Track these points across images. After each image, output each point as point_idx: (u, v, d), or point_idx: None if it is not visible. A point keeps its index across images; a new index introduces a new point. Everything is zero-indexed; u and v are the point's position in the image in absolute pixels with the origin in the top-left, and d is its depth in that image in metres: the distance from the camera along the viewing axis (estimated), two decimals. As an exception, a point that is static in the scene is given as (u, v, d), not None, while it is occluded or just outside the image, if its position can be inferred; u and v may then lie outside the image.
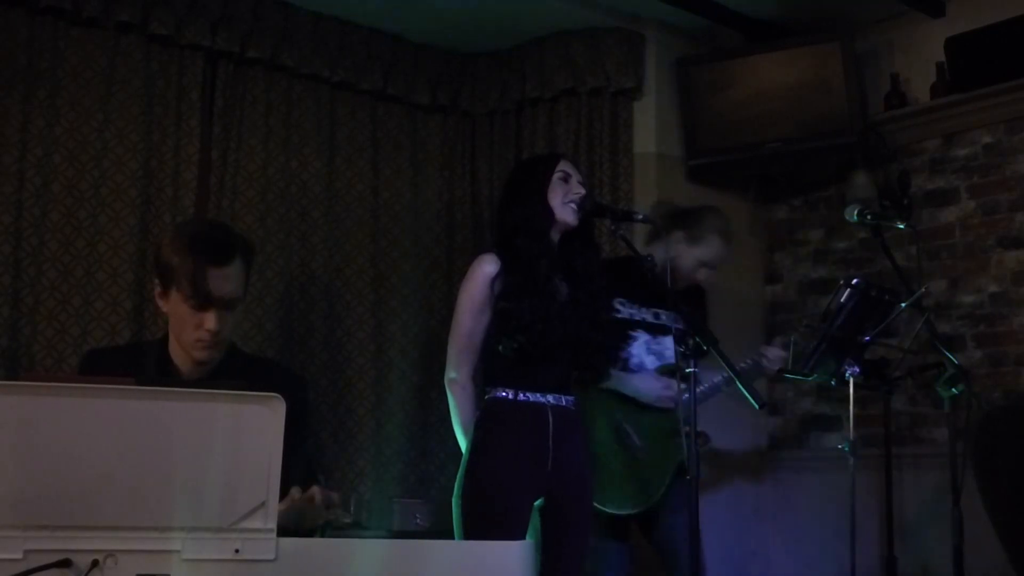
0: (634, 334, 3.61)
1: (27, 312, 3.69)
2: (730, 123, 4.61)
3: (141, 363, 2.51)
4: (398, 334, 4.48)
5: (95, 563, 1.48)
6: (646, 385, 3.58)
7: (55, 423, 1.50)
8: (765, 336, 4.82)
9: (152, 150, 3.98)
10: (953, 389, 3.58)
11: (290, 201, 4.29)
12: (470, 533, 2.94)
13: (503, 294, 3.03)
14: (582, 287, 3.15)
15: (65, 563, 1.47)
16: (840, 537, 3.72)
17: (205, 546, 1.52)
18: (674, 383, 3.58)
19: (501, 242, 3.13)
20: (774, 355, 3.79)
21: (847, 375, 3.72)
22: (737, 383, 2.93)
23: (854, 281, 3.71)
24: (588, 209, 3.15)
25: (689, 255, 3.63)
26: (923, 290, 3.87)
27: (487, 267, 3.06)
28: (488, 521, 2.93)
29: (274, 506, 1.55)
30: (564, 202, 3.10)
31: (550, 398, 3.07)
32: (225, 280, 2.42)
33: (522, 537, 2.91)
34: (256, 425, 1.55)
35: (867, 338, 3.73)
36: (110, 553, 1.49)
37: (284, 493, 2.07)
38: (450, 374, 3.10)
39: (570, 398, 3.13)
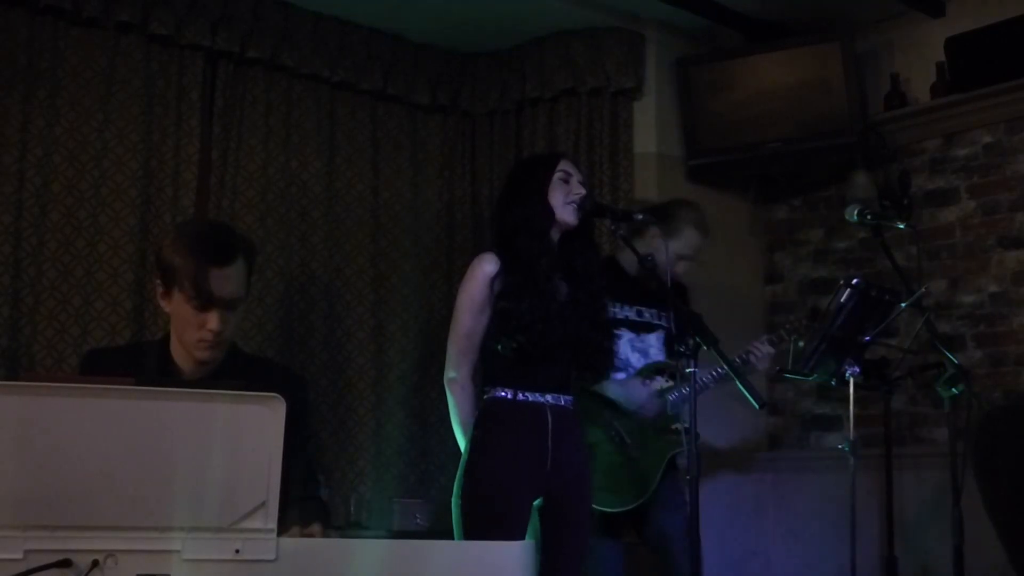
0: (617, 332, 3.60)
1: (27, 312, 3.69)
2: (730, 123, 4.61)
3: (142, 363, 2.51)
4: (398, 334, 4.48)
5: (95, 563, 1.48)
6: (630, 393, 3.57)
7: (55, 423, 1.50)
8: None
9: (152, 150, 3.98)
10: (953, 389, 3.58)
11: (290, 201, 4.29)
12: (470, 533, 2.94)
13: (503, 294, 3.02)
14: (582, 287, 3.15)
15: (65, 563, 1.47)
16: (840, 537, 3.72)
17: (205, 546, 1.52)
18: (656, 397, 3.59)
19: (501, 241, 3.13)
20: (763, 351, 3.79)
21: (847, 375, 3.72)
22: (738, 383, 2.92)
23: (854, 281, 3.71)
24: (588, 209, 3.15)
25: (663, 252, 3.57)
26: (923, 290, 3.87)
27: (487, 266, 3.06)
28: (488, 521, 2.93)
29: (274, 506, 1.55)
30: (565, 203, 3.10)
31: (549, 398, 3.07)
32: (227, 281, 2.42)
33: (522, 537, 2.90)
34: (256, 425, 1.55)
35: (867, 338, 3.73)
36: (110, 553, 1.49)
37: (285, 494, 2.06)
38: (449, 373, 3.09)
39: (569, 398, 3.12)
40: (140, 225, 3.90)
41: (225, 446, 1.55)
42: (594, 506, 3.43)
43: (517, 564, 1.67)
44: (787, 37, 4.66)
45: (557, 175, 3.13)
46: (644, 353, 3.70)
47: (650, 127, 4.65)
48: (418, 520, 4.08)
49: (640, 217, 3.32)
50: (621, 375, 3.64)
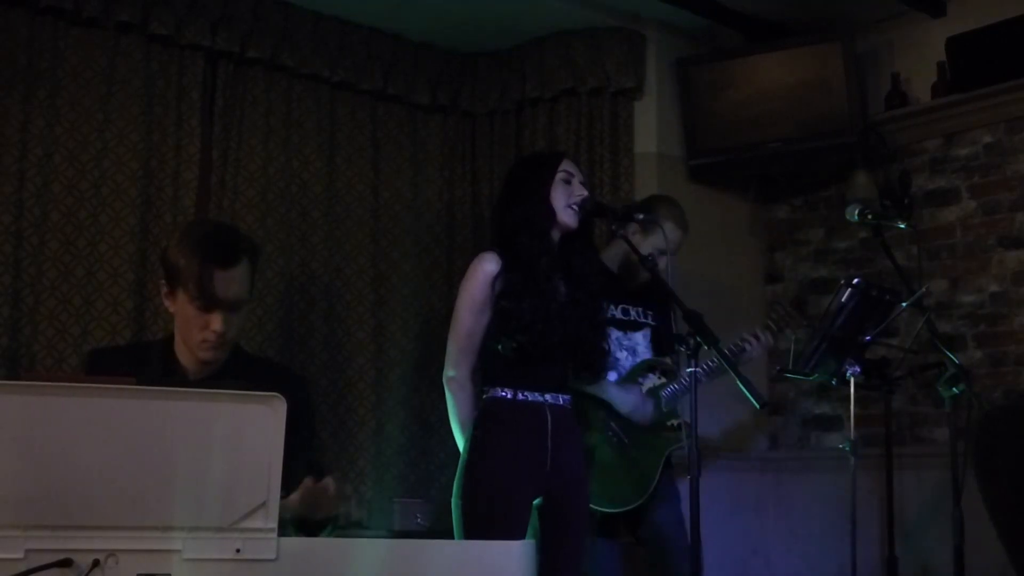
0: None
1: (27, 312, 3.69)
2: (730, 123, 4.61)
3: (146, 363, 2.52)
4: (398, 334, 4.48)
5: (96, 563, 1.48)
6: (623, 397, 3.57)
7: (56, 423, 1.50)
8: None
9: (152, 150, 3.98)
10: (954, 389, 3.58)
11: (290, 201, 4.29)
12: (470, 533, 2.94)
13: (504, 293, 3.02)
14: (581, 287, 3.15)
15: (66, 563, 1.47)
16: (841, 537, 3.72)
17: (206, 546, 1.52)
18: (650, 402, 3.58)
19: (501, 241, 3.13)
20: (755, 341, 3.79)
21: (848, 375, 3.73)
22: (739, 383, 2.92)
23: (855, 281, 3.72)
24: (589, 209, 3.15)
25: (645, 245, 3.56)
26: (924, 290, 3.87)
27: (488, 266, 3.06)
28: (488, 521, 2.93)
29: (275, 506, 1.55)
30: (566, 205, 3.10)
31: (548, 397, 3.07)
32: (231, 282, 2.43)
33: (522, 537, 2.91)
34: (257, 425, 1.55)
35: (868, 338, 3.73)
36: (111, 553, 1.49)
37: (287, 495, 2.07)
38: (449, 372, 3.09)
39: (567, 397, 3.13)
40: (140, 225, 3.90)
41: (226, 446, 1.55)
42: (595, 507, 3.44)
43: (517, 564, 1.67)
44: (787, 37, 4.66)
45: (559, 175, 3.13)
46: (632, 351, 3.70)
47: (650, 127, 4.66)
48: (418, 520, 4.08)
49: (641, 217, 3.32)
50: (612, 374, 3.64)
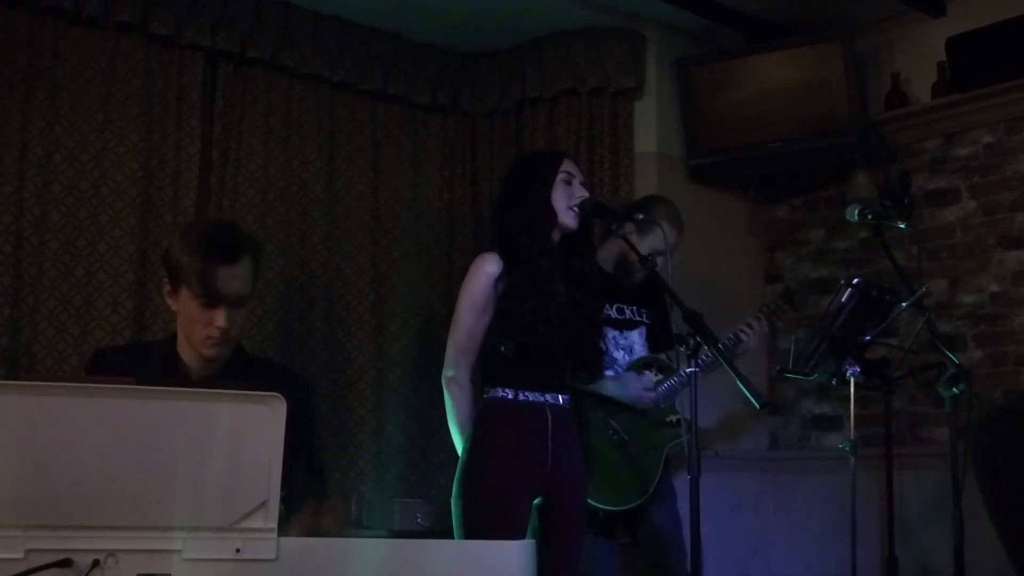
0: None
1: (27, 312, 3.68)
2: (730, 123, 4.61)
3: (149, 362, 2.53)
4: (398, 334, 4.48)
5: (96, 563, 1.48)
6: (625, 387, 3.57)
7: (56, 423, 1.50)
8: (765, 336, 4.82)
9: (152, 150, 3.97)
10: (954, 389, 3.58)
11: (290, 201, 4.29)
12: (470, 533, 2.94)
13: (507, 294, 3.02)
14: (581, 287, 3.15)
15: (66, 563, 1.47)
16: (841, 537, 3.72)
17: (206, 546, 1.52)
18: (650, 383, 3.58)
19: (502, 241, 3.13)
20: (750, 331, 3.79)
21: (848, 375, 3.73)
22: (739, 383, 2.92)
23: (855, 281, 3.72)
24: (589, 209, 3.15)
25: (642, 246, 3.56)
26: (924, 290, 3.88)
27: (490, 267, 3.06)
28: (488, 521, 2.93)
29: (275, 506, 1.55)
30: (567, 207, 3.10)
31: (549, 397, 3.08)
32: (234, 278, 2.45)
33: (522, 536, 2.91)
34: (257, 425, 1.55)
35: (868, 338, 3.73)
36: (111, 553, 1.49)
37: (287, 495, 2.07)
38: (448, 372, 3.09)
39: (566, 397, 3.13)
40: (140, 225, 3.90)
41: (226, 446, 1.55)
42: (598, 505, 3.44)
43: (517, 564, 1.67)
44: (787, 37, 4.66)
45: (560, 176, 3.12)
46: (628, 350, 3.71)
47: (650, 127, 4.65)
48: (418, 520, 4.08)
49: (641, 217, 3.32)
50: (608, 373, 3.64)
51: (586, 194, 3.15)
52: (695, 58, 4.69)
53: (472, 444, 3.02)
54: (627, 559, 3.77)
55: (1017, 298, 4.24)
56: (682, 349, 2.98)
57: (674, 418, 3.67)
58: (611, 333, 3.66)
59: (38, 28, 3.80)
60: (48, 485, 1.49)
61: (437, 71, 4.76)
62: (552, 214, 3.09)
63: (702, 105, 4.63)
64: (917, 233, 4.29)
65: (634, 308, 3.75)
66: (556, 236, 3.12)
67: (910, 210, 4.42)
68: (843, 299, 3.68)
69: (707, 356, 3.49)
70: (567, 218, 3.10)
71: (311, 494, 2.35)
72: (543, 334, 3.00)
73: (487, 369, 3.10)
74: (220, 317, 2.44)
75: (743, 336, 3.79)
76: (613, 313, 3.69)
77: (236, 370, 2.54)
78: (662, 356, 3.79)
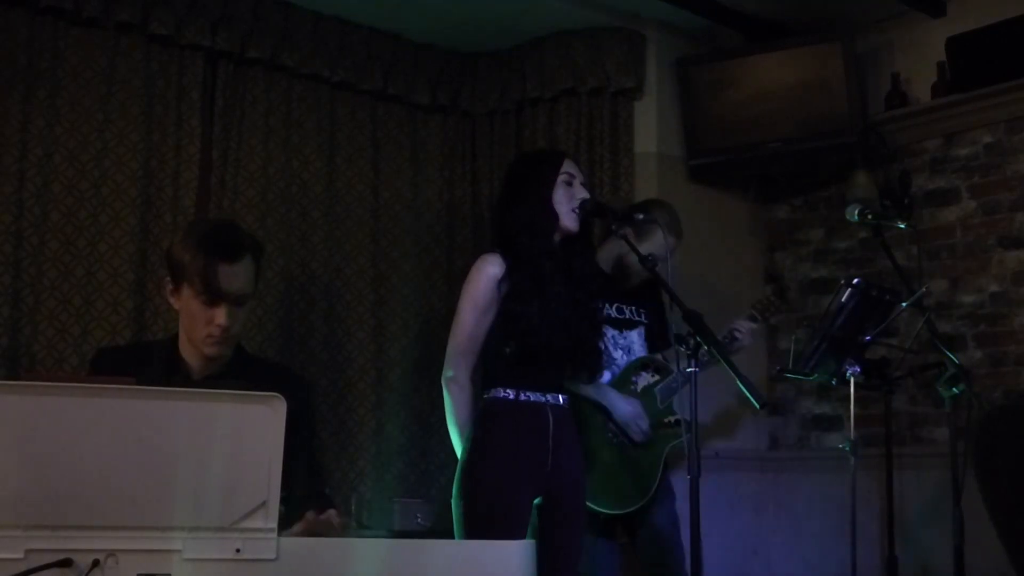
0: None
1: (27, 312, 3.68)
2: (730, 123, 4.61)
3: (150, 362, 2.54)
4: (398, 334, 4.48)
5: (96, 563, 1.48)
6: (622, 407, 3.56)
7: (56, 423, 1.50)
8: (766, 336, 4.83)
9: (152, 150, 3.97)
10: (954, 389, 3.58)
11: (290, 201, 4.29)
12: (471, 533, 2.94)
13: (510, 296, 3.02)
14: (581, 288, 3.15)
15: (66, 563, 1.47)
16: (841, 537, 3.73)
17: (206, 546, 1.52)
18: (643, 416, 3.57)
19: (504, 242, 3.12)
20: (745, 328, 3.81)
21: (848, 375, 3.73)
22: (739, 383, 2.92)
23: (855, 281, 3.72)
24: (589, 210, 3.15)
25: (640, 249, 3.55)
26: (924, 290, 3.87)
27: (492, 268, 3.05)
28: (489, 521, 2.93)
29: (275, 506, 1.55)
30: (569, 209, 3.09)
31: (550, 398, 3.08)
32: (235, 277, 2.47)
33: (522, 537, 2.91)
34: (257, 425, 1.55)
35: (868, 338, 3.73)
36: (111, 553, 1.49)
37: (288, 496, 2.06)
38: (448, 373, 3.09)
39: (566, 397, 3.14)
40: (140, 225, 3.89)
41: (226, 446, 1.55)
42: (599, 509, 3.44)
43: (518, 564, 1.67)
44: (787, 37, 4.66)
45: (561, 177, 3.12)
46: (627, 350, 3.71)
47: (650, 127, 4.65)
48: (418, 520, 4.08)
49: (641, 217, 3.32)
50: (606, 373, 3.64)
51: (586, 194, 3.15)
52: (695, 58, 4.69)
53: (472, 444, 3.02)
54: (626, 559, 3.77)
55: (1017, 298, 4.24)
56: (682, 349, 2.97)
57: (673, 419, 3.68)
58: (610, 332, 3.67)
59: (38, 28, 3.80)
60: (48, 485, 1.49)
61: (437, 71, 4.76)
62: (553, 216, 3.08)
63: (702, 105, 4.63)
64: (917, 233, 4.29)
65: (633, 308, 3.76)
66: (557, 237, 3.12)
67: (910, 210, 4.42)
68: (843, 299, 3.68)
69: (704, 355, 3.49)
70: (568, 220, 3.10)
71: (311, 495, 2.35)
72: (546, 335, 3.00)
73: (487, 369, 3.10)
74: (221, 315, 2.46)
75: (738, 334, 3.80)
76: (613, 312, 3.70)
77: (237, 370, 2.54)
78: (659, 356, 3.79)
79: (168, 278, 2.56)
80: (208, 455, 1.54)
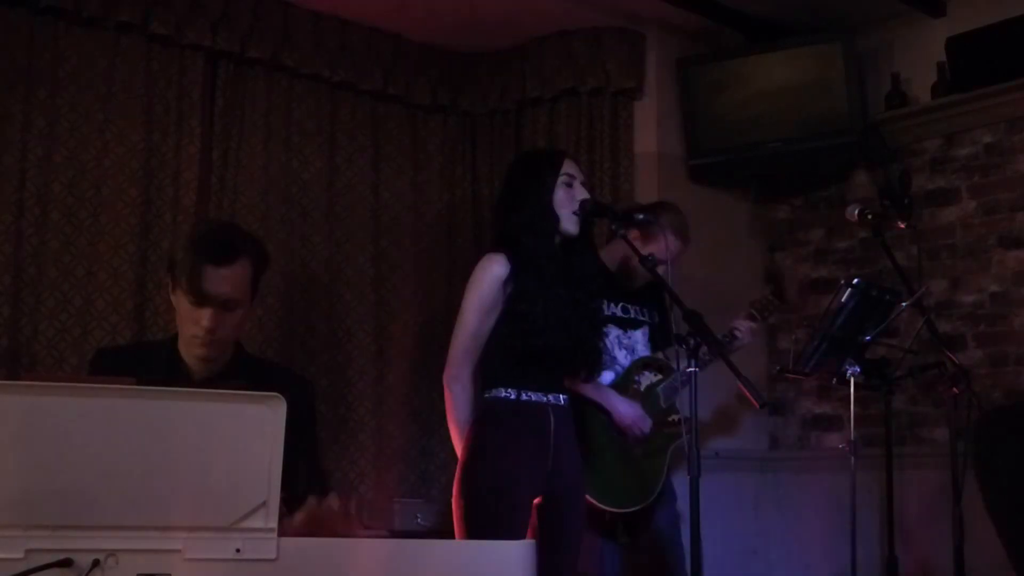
0: (605, 329, 3.61)
1: (28, 312, 3.69)
2: (731, 123, 4.61)
3: (150, 362, 2.53)
4: (399, 334, 4.48)
5: (96, 563, 1.48)
6: (622, 410, 3.56)
7: (56, 423, 1.50)
8: (765, 336, 4.83)
9: (152, 150, 3.98)
10: (954, 389, 3.59)
11: (290, 201, 4.29)
12: (470, 533, 2.94)
13: (516, 296, 3.02)
14: (581, 287, 3.15)
15: (66, 563, 1.47)
16: (840, 537, 3.72)
17: (206, 545, 1.52)
18: (645, 419, 3.57)
19: (507, 242, 3.11)
20: (744, 327, 3.81)
21: (848, 375, 3.73)
22: (739, 383, 2.92)
23: (855, 281, 3.72)
24: (589, 210, 3.14)
25: (644, 251, 3.54)
26: (924, 290, 3.88)
27: (498, 268, 3.04)
28: (489, 521, 2.93)
29: (275, 506, 1.55)
30: (570, 212, 3.09)
31: (551, 398, 3.08)
32: (223, 280, 2.44)
33: (522, 537, 2.91)
34: (257, 425, 1.55)
35: (868, 338, 3.73)
36: (111, 552, 1.49)
37: (290, 496, 2.06)
38: (451, 372, 3.09)
39: (566, 396, 3.13)
40: (140, 225, 3.90)
41: (226, 446, 1.55)
42: (601, 505, 3.45)
43: (518, 564, 1.67)
44: (787, 37, 4.66)
45: (561, 179, 3.11)
46: (631, 350, 3.71)
47: (651, 127, 4.65)
48: (418, 520, 4.08)
49: (641, 218, 3.31)
50: (609, 373, 3.64)
51: (587, 195, 3.14)
52: (695, 58, 4.69)
53: (473, 444, 3.02)
54: (628, 560, 3.76)
55: (1017, 298, 4.24)
56: (682, 349, 2.97)
57: (676, 417, 3.68)
58: (615, 332, 3.67)
59: (38, 28, 3.80)
60: (48, 485, 1.49)
61: (437, 71, 4.76)
62: (554, 218, 3.08)
63: (702, 105, 4.63)
64: (917, 233, 4.29)
65: (638, 308, 3.76)
66: (557, 239, 3.12)
67: (910, 210, 4.41)
68: (843, 299, 3.69)
69: (705, 355, 3.49)
70: (569, 223, 3.10)
71: (313, 494, 2.34)
72: (548, 335, 3.00)
73: (488, 369, 3.10)
74: (206, 317, 2.43)
75: (737, 333, 3.81)
76: (618, 312, 3.70)
77: (237, 371, 2.53)
78: (661, 356, 3.79)
79: (169, 276, 2.57)
80: (208, 455, 1.54)
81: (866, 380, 3.81)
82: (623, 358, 3.70)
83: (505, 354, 3.04)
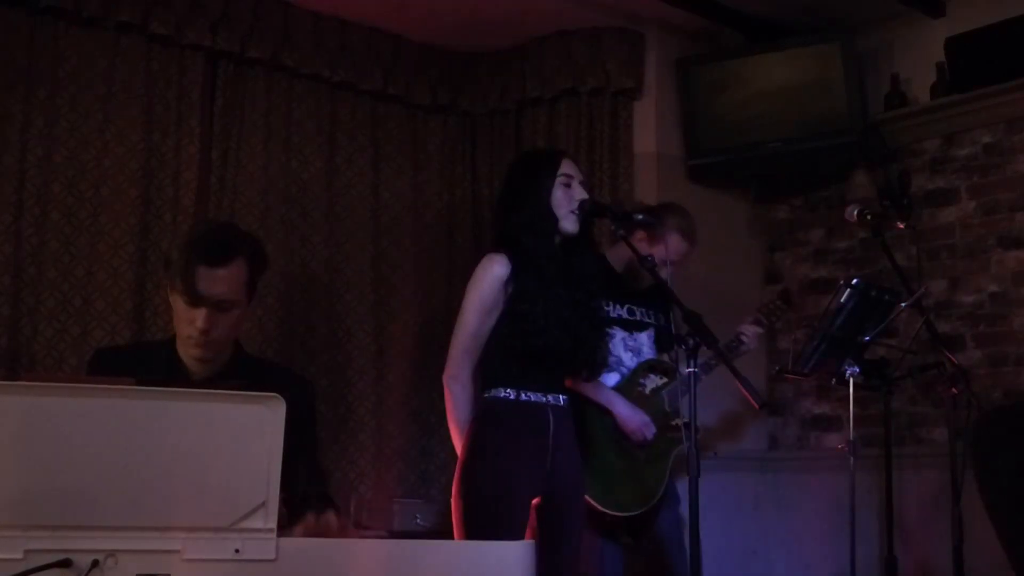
0: (610, 331, 3.61)
1: (27, 312, 3.69)
2: (730, 123, 4.61)
3: (149, 362, 2.52)
4: (398, 334, 4.48)
5: (95, 563, 1.48)
6: (626, 414, 3.56)
7: (55, 423, 1.50)
8: (766, 337, 4.82)
9: (152, 150, 3.98)
10: (953, 389, 3.59)
11: (290, 201, 4.29)
12: (470, 533, 2.94)
13: (517, 296, 3.02)
14: (581, 287, 3.15)
15: (65, 563, 1.47)
16: (840, 537, 3.72)
17: (205, 546, 1.52)
18: (650, 425, 3.57)
19: (507, 242, 3.12)
20: (751, 333, 3.81)
21: (847, 375, 3.73)
22: (739, 383, 2.92)
23: (854, 281, 3.72)
24: (588, 210, 3.14)
25: (651, 252, 3.53)
26: (923, 290, 3.88)
27: (499, 268, 3.04)
28: (488, 521, 2.93)
29: (274, 506, 1.55)
30: (568, 211, 3.09)
31: (550, 398, 3.08)
32: (217, 281, 2.42)
33: (522, 537, 2.91)
34: (256, 425, 1.55)
35: (867, 338, 3.73)
36: (110, 553, 1.49)
37: (291, 497, 2.06)
38: (451, 371, 3.09)
39: (565, 397, 3.13)
40: (140, 225, 3.90)
41: (225, 446, 1.55)
42: (607, 509, 3.45)
43: (517, 564, 1.67)
44: (787, 37, 4.66)
45: (559, 180, 3.11)
46: (637, 352, 3.71)
47: (650, 127, 4.66)
48: (418, 520, 4.08)
49: (640, 218, 3.31)
50: (615, 375, 3.64)
51: (585, 195, 3.14)
52: (695, 58, 4.69)
53: (472, 444, 3.02)
54: (629, 561, 3.76)
55: (1017, 298, 4.24)
56: (682, 348, 2.97)
57: (679, 421, 3.67)
58: (620, 334, 3.67)
59: (38, 28, 3.81)
60: (48, 485, 1.49)
61: (437, 71, 4.76)
62: (553, 219, 3.08)
63: (702, 105, 4.63)
64: (917, 233, 4.29)
65: (644, 310, 3.76)
66: (557, 239, 3.12)
67: (910, 210, 4.42)
68: (842, 299, 3.68)
69: (712, 360, 3.49)
70: (568, 223, 3.09)
71: (313, 496, 2.34)
72: (553, 335, 3.00)
73: (488, 369, 3.10)
74: (200, 318, 2.42)
75: (744, 338, 3.80)
76: (624, 314, 3.69)
77: (237, 371, 2.53)
78: (666, 358, 3.78)
79: (166, 275, 2.57)
80: (207, 455, 1.54)
81: (865, 380, 3.81)
82: (629, 360, 3.69)
83: (505, 354, 3.04)
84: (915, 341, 3.92)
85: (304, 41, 4.34)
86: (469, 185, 4.84)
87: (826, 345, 3.74)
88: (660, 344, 3.78)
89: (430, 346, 4.37)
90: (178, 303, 2.46)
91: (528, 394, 3.04)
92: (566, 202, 3.10)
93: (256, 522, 1.54)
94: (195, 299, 2.41)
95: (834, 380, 3.83)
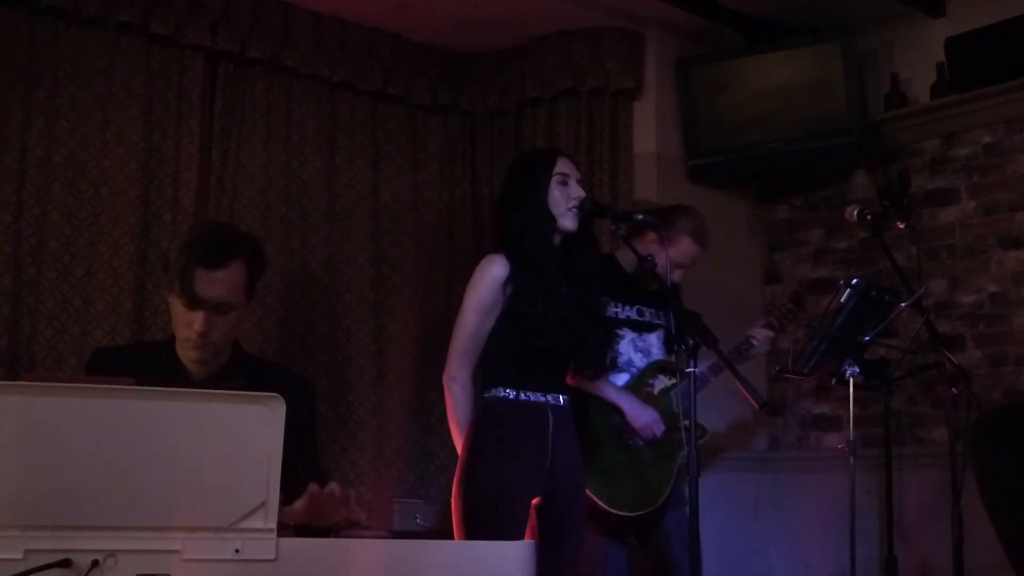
0: (620, 332, 3.61)
1: (27, 312, 3.69)
2: (730, 123, 4.61)
3: (149, 362, 2.52)
4: (398, 334, 4.48)
5: (95, 563, 1.48)
6: (637, 413, 3.56)
7: (55, 423, 1.50)
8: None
9: (152, 150, 3.98)
10: (953, 389, 3.59)
11: (290, 201, 4.29)
12: (470, 533, 2.94)
13: (516, 297, 3.02)
14: (582, 287, 3.15)
15: (65, 563, 1.47)
16: (840, 537, 3.73)
17: (205, 546, 1.52)
18: (659, 422, 3.56)
19: (507, 243, 3.12)
20: (762, 336, 3.81)
21: (847, 375, 3.73)
22: (739, 383, 2.92)
23: (854, 281, 3.72)
24: (588, 209, 3.14)
25: (662, 256, 3.55)
26: (923, 290, 3.88)
27: (498, 269, 3.05)
28: (488, 521, 2.93)
29: (274, 506, 1.55)
30: (566, 208, 3.09)
31: (550, 398, 3.08)
32: (215, 284, 2.41)
33: (522, 537, 2.91)
34: (256, 425, 1.55)
35: (867, 338, 3.73)
36: (110, 553, 1.49)
37: (291, 497, 2.06)
38: (451, 372, 3.09)
39: (566, 397, 3.13)
40: (140, 225, 3.90)
41: (225, 446, 1.55)
42: (612, 509, 3.44)
43: (517, 564, 1.67)
44: (787, 37, 4.66)
45: (555, 179, 3.11)
46: (646, 353, 3.70)
47: (650, 127, 4.66)
48: (418, 520, 4.08)
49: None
50: (624, 376, 3.64)
51: (583, 193, 3.14)
52: (695, 58, 4.69)
53: (472, 444, 3.02)
54: (634, 562, 3.76)
55: (1017, 298, 4.24)
56: (681, 347, 2.97)
57: (688, 422, 3.66)
58: (630, 335, 3.67)
59: (38, 28, 3.81)
60: (48, 485, 1.49)
61: (437, 71, 4.76)
62: (550, 218, 3.08)
63: (702, 105, 4.63)
64: (917, 233, 4.29)
65: (653, 311, 3.75)
66: (557, 238, 3.12)
67: (910, 210, 4.42)
68: (842, 299, 3.68)
69: (719, 364, 3.48)
70: (566, 220, 3.09)
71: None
72: (554, 336, 3.00)
73: (488, 369, 3.10)
74: (198, 320, 2.41)
75: (754, 342, 3.80)
76: (633, 315, 3.69)
77: (237, 371, 2.53)
78: (674, 359, 3.77)
79: (165, 276, 2.56)
80: (207, 455, 1.54)
81: (865, 380, 3.81)
82: (639, 361, 3.69)
83: (505, 354, 3.04)
84: (915, 341, 3.92)
85: (304, 41, 4.34)
86: (469, 185, 4.84)
87: (826, 345, 3.74)
88: (669, 345, 3.77)
89: (430, 346, 4.37)
90: (176, 305, 2.45)
91: (528, 394, 3.04)
92: (563, 200, 3.10)
93: (256, 522, 1.54)
94: (193, 302, 2.40)
95: (834, 380, 3.83)
